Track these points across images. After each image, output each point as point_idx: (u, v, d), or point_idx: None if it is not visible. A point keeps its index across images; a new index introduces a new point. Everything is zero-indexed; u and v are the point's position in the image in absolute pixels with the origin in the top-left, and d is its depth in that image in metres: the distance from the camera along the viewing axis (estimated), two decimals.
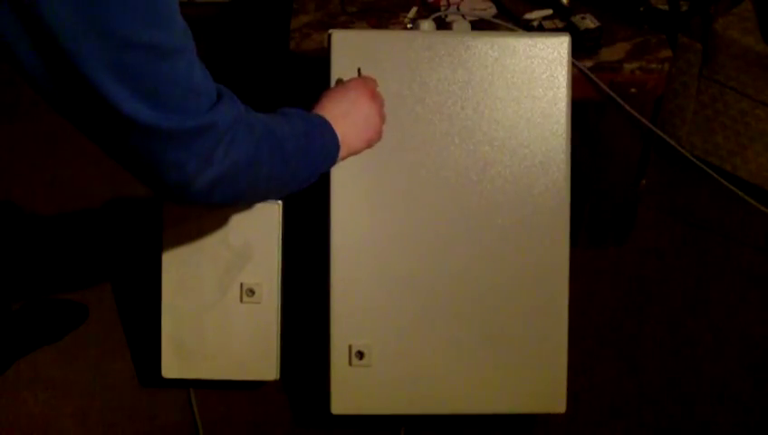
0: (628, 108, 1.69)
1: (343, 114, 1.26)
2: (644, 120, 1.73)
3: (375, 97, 1.32)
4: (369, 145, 1.31)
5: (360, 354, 1.46)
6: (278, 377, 1.61)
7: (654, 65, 1.67)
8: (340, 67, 1.41)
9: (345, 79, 1.38)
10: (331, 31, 1.43)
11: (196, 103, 0.95)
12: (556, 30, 1.66)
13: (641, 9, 1.74)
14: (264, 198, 1.22)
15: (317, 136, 1.21)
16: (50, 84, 0.90)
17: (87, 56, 0.85)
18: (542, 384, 1.48)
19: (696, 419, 1.70)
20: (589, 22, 1.66)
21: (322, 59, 1.45)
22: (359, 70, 1.39)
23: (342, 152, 1.24)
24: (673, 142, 1.89)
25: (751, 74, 1.94)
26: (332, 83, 1.41)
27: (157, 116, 0.90)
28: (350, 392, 1.48)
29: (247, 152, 1.04)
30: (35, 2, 0.82)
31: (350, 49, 1.41)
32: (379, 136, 1.32)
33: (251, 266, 1.58)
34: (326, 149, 1.22)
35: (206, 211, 1.58)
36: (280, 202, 1.58)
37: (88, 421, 1.71)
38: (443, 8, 1.74)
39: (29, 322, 1.84)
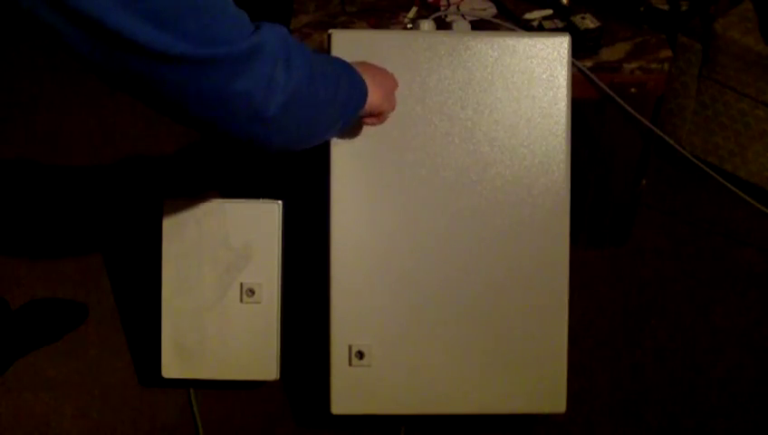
0: (628, 108, 1.69)
1: (372, 74, 1.27)
2: (644, 120, 1.73)
3: (394, 89, 1.38)
4: (382, 111, 1.33)
5: (360, 354, 1.46)
6: (278, 377, 1.61)
7: (654, 65, 1.67)
8: None
9: None
10: (331, 31, 1.43)
11: (238, 31, 0.92)
12: (556, 30, 1.66)
13: (641, 9, 1.74)
14: (323, 130, 1.16)
15: (353, 73, 1.21)
16: (94, 56, 0.86)
17: (114, 7, 0.81)
18: (542, 384, 1.48)
19: (696, 419, 1.70)
20: (589, 22, 1.66)
21: None
22: None
23: (370, 97, 1.24)
24: (673, 142, 1.89)
25: (751, 74, 1.94)
26: None
27: (204, 49, 0.87)
28: (350, 392, 1.48)
29: (305, 74, 1.01)
30: None
31: (350, 49, 1.41)
32: (392, 107, 1.37)
33: (251, 266, 1.58)
34: (358, 88, 1.22)
35: (206, 211, 1.58)
36: (280, 202, 1.58)
37: (88, 421, 1.71)
38: (443, 8, 1.74)
39: (29, 322, 1.84)
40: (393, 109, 1.39)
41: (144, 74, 0.88)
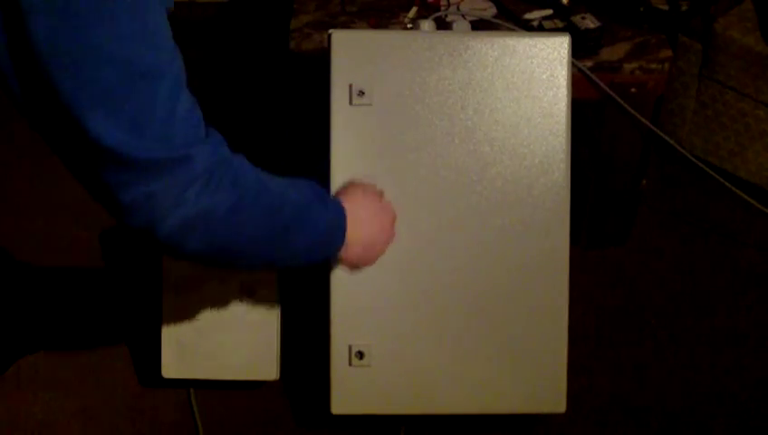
0: (628, 108, 1.69)
1: (361, 220, 1.23)
2: (644, 120, 1.73)
3: (391, 229, 1.33)
4: (358, 266, 1.30)
5: (360, 354, 1.46)
6: (278, 377, 1.61)
7: (654, 65, 1.67)
8: (341, 67, 1.41)
9: (345, 79, 1.39)
10: (331, 31, 1.43)
11: (172, 133, 0.89)
12: (556, 30, 1.66)
13: (641, 9, 1.74)
14: (255, 262, 1.12)
15: (323, 213, 1.16)
16: (21, 92, 0.87)
17: (58, 67, 0.81)
18: (542, 384, 1.48)
19: (696, 419, 1.70)
20: (589, 22, 1.66)
21: (322, 59, 1.45)
22: None
23: (342, 252, 1.21)
24: (673, 142, 1.89)
25: (751, 74, 1.94)
26: (332, 83, 1.41)
27: (127, 140, 0.86)
28: (350, 392, 1.48)
29: (226, 201, 0.97)
30: (22, 13, 0.79)
31: (350, 49, 1.41)
32: (371, 263, 1.32)
33: None
34: (329, 233, 1.17)
35: None
36: None
37: (88, 421, 1.71)
38: (443, 8, 1.74)
39: (29, 321, 1.84)
40: (372, 263, 1.32)
41: (58, 128, 0.88)
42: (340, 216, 1.20)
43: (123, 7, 0.82)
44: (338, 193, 1.30)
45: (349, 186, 1.26)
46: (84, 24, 0.80)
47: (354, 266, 1.29)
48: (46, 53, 0.81)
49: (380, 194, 1.35)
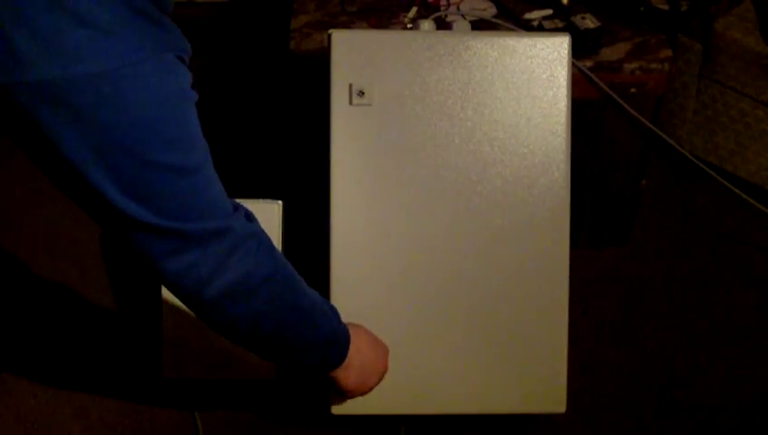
0: (628, 108, 1.69)
1: (360, 347, 1.30)
2: (644, 120, 1.73)
3: (386, 363, 1.39)
4: (353, 393, 1.34)
5: None
6: (278, 377, 1.61)
7: (654, 65, 1.67)
8: (340, 67, 1.42)
9: (345, 79, 1.39)
10: (331, 31, 1.43)
11: (212, 213, 0.97)
12: (556, 30, 1.66)
13: (641, 9, 1.74)
14: (275, 342, 1.17)
15: (333, 318, 1.23)
16: (67, 188, 0.92)
17: (108, 183, 0.88)
18: (542, 384, 1.48)
19: (696, 418, 1.70)
20: (589, 22, 1.66)
21: (322, 59, 1.45)
22: None
23: (341, 371, 1.27)
24: (673, 142, 1.89)
25: (751, 74, 1.94)
26: (333, 83, 1.41)
27: (180, 224, 0.94)
28: None
29: (264, 267, 1.06)
30: (61, 131, 0.84)
31: (350, 49, 1.41)
32: (365, 391, 1.36)
33: None
34: (334, 339, 1.24)
35: None
36: (280, 202, 1.58)
37: (88, 421, 1.71)
38: (443, 8, 1.74)
39: (29, 322, 1.84)
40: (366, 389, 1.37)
41: (106, 218, 0.94)
42: (345, 331, 1.27)
43: (166, 116, 0.89)
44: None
45: (349, 323, 1.33)
46: (133, 136, 0.86)
47: (349, 392, 1.33)
48: (82, 160, 0.86)
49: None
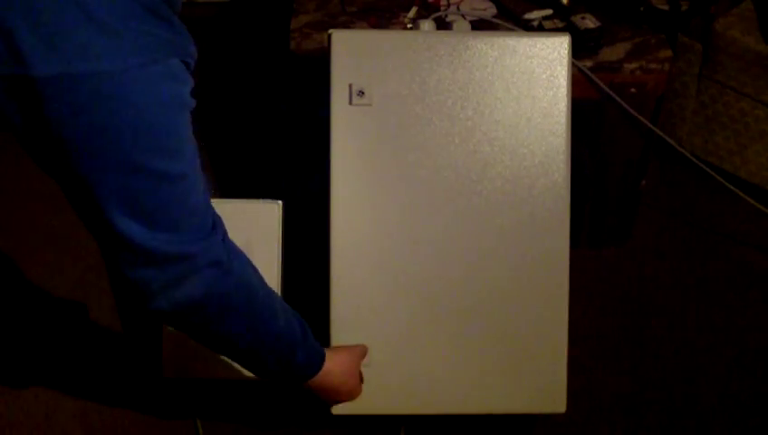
0: (628, 108, 1.69)
1: (340, 375, 1.33)
2: (644, 120, 1.73)
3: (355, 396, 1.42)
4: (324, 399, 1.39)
5: None
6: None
7: (654, 65, 1.67)
8: (340, 67, 1.42)
9: (345, 79, 1.39)
10: (331, 31, 1.43)
11: (185, 229, 0.96)
12: (556, 30, 1.66)
13: (641, 9, 1.74)
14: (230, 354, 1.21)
15: (303, 350, 1.24)
16: (32, 153, 0.92)
17: (94, 177, 0.88)
18: (542, 384, 1.48)
19: (697, 419, 1.70)
20: (589, 22, 1.66)
21: (322, 59, 1.45)
22: None
23: (314, 380, 1.29)
24: (673, 142, 1.89)
25: (751, 74, 1.94)
26: (332, 83, 1.41)
27: (147, 235, 0.93)
28: None
29: (218, 295, 1.04)
30: (58, 125, 0.84)
31: (350, 49, 1.41)
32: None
33: None
34: (306, 360, 1.25)
35: None
36: (280, 202, 1.58)
37: (88, 421, 1.71)
38: (443, 8, 1.74)
39: (29, 322, 1.84)
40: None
41: (82, 206, 0.96)
42: (318, 358, 1.29)
43: (159, 123, 0.88)
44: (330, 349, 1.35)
45: (340, 348, 1.37)
46: (123, 139, 0.86)
47: (322, 391, 1.36)
48: (76, 154, 0.87)
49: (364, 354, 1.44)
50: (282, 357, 1.21)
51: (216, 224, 1.03)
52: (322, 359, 1.29)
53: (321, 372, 1.28)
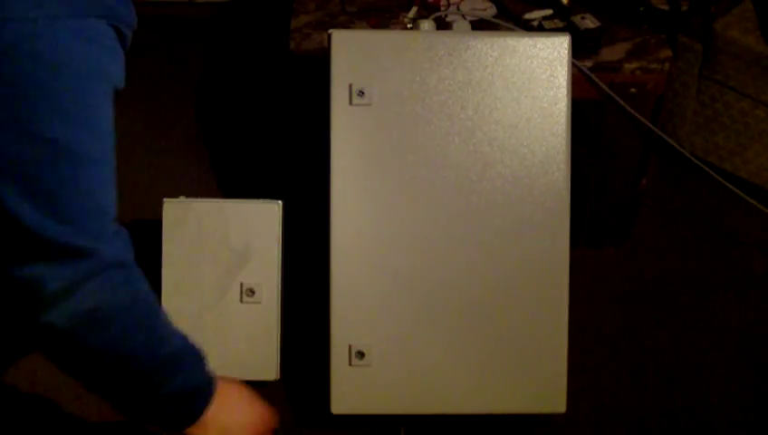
0: (628, 108, 1.69)
1: (227, 415, 1.09)
2: (644, 120, 1.73)
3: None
4: None
5: (360, 354, 1.46)
6: (278, 377, 1.61)
7: (654, 65, 1.67)
8: (340, 67, 1.42)
9: (345, 79, 1.39)
10: (331, 31, 1.44)
11: (87, 222, 0.83)
12: (556, 30, 1.66)
13: (641, 9, 1.74)
14: (112, 387, 0.99)
15: (199, 370, 1.05)
16: None
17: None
18: (542, 384, 1.48)
19: (696, 419, 1.70)
20: (589, 22, 1.66)
21: (322, 59, 1.45)
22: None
23: (191, 429, 1.04)
24: (673, 142, 1.89)
25: (751, 74, 1.94)
26: (332, 83, 1.41)
27: (41, 221, 0.79)
28: (350, 392, 1.48)
29: (120, 303, 0.89)
30: None
31: (350, 49, 1.41)
32: None
33: (251, 266, 1.58)
34: (194, 392, 1.04)
35: (206, 211, 1.57)
36: (280, 202, 1.58)
37: (88, 421, 1.71)
38: (443, 8, 1.74)
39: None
40: None
41: None
42: (208, 385, 1.07)
43: (65, 86, 0.77)
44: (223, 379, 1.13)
45: (225, 379, 1.12)
46: (22, 97, 0.76)
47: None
48: None
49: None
50: (172, 385, 1.01)
51: (119, 230, 0.90)
52: (210, 391, 1.08)
53: (213, 406, 1.07)
